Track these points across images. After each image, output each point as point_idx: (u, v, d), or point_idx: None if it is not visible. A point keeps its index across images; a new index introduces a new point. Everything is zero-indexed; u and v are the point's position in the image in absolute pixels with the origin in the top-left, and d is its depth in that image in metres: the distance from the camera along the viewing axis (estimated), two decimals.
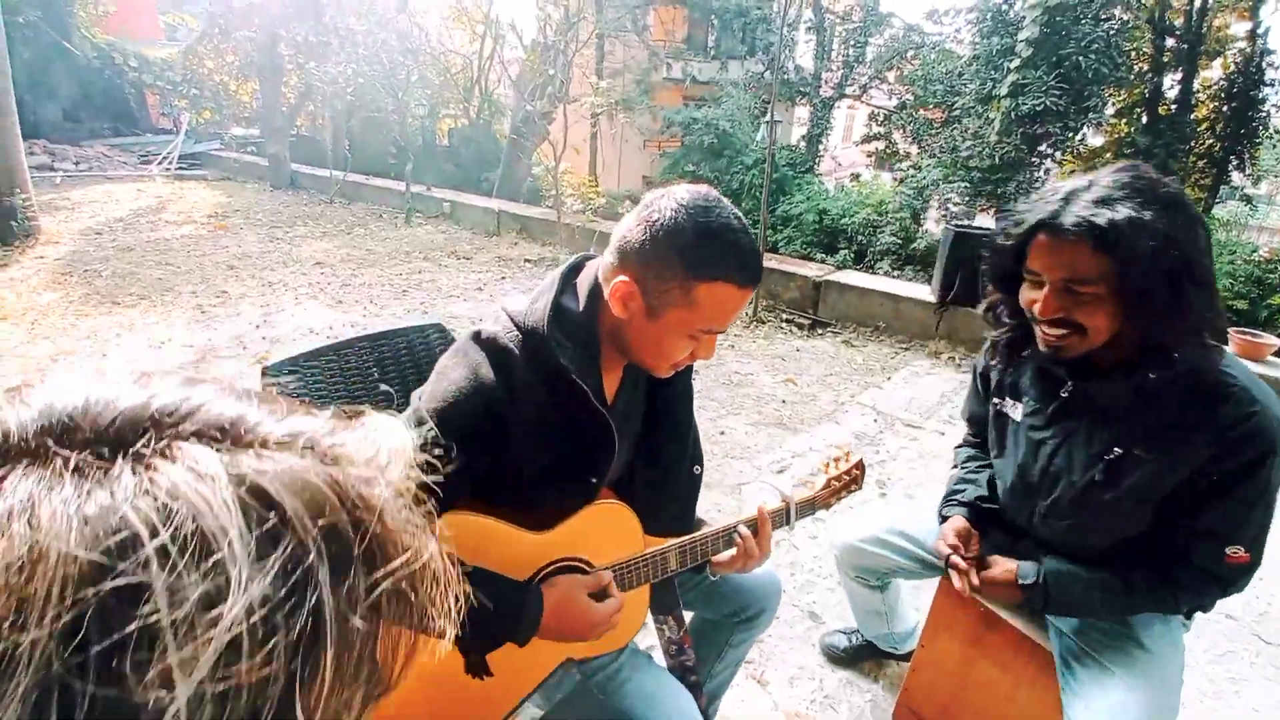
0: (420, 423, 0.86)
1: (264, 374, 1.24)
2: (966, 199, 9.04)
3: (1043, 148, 8.56)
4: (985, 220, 9.51)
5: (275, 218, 8.05)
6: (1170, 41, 8.54)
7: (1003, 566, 1.22)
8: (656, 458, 1.12)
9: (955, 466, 1.49)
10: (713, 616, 1.38)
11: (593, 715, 1.09)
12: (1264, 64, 8.29)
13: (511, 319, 0.93)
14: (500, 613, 0.86)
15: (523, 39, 9.74)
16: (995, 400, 1.29)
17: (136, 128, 13.64)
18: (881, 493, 2.85)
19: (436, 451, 0.70)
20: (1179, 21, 8.46)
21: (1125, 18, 8.38)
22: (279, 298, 5.03)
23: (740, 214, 0.90)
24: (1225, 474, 1.02)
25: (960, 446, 1.54)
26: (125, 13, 13.47)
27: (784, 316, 4.90)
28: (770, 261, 5.21)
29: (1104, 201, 0.92)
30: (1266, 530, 1.06)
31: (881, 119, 11.40)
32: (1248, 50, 8.38)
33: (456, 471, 0.90)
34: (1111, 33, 7.94)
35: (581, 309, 0.94)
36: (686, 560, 1.11)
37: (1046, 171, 9.28)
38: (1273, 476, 1.01)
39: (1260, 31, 8.29)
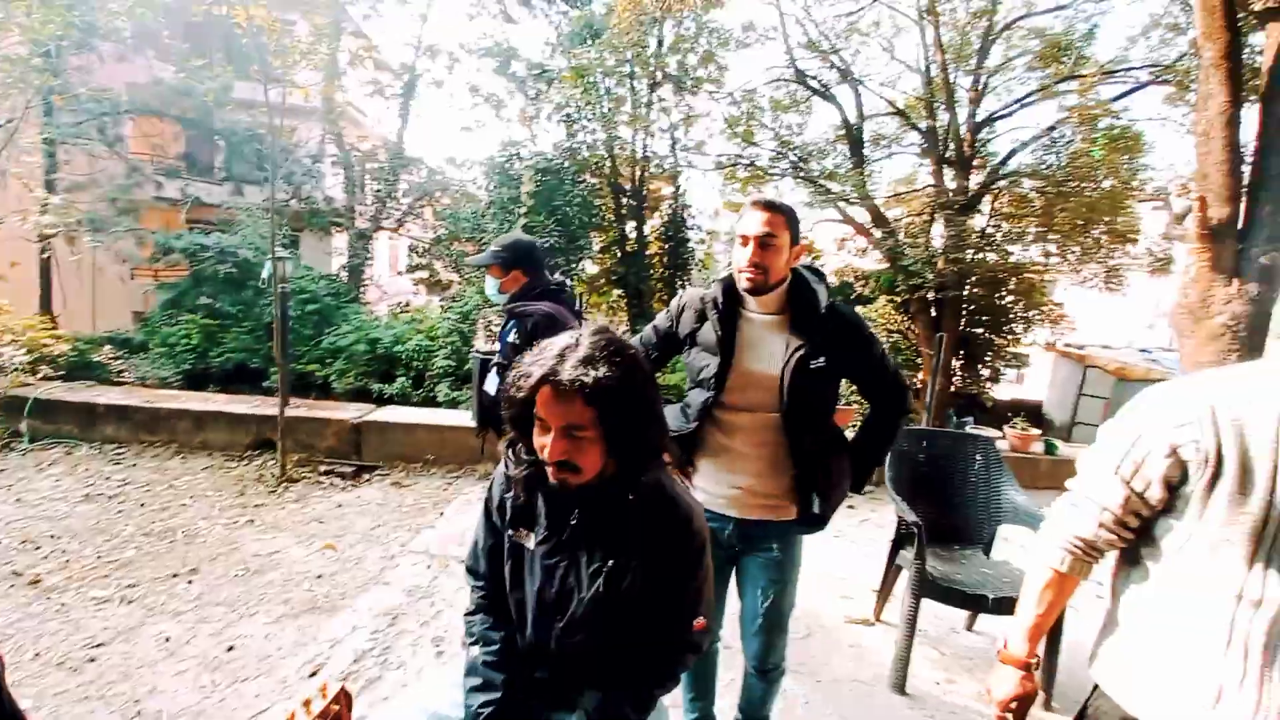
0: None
1: None
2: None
3: (558, 275, 10.23)
4: None
5: None
6: (625, 200, 11.45)
7: None
8: None
9: (475, 643, 1.35)
10: None
11: None
12: (684, 216, 11.84)
13: None
14: None
15: None
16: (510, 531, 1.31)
17: None
18: (438, 651, 2.58)
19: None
20: (629, 185, 11.45)
21: (594, 181, 10.91)
22: None
23: None
24: (683, 564, 1.23)
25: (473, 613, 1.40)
26: None
27: (322, 469, 4.32)
28: (298, 410, 4.59)
29: (590, 361, 1.10)
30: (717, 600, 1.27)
31: (422, 250, 11.94)
32: (674, 206, 11.84)
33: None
34: (586, 192, 10.20)
35: None
36: None
37: None
38: (709, 562, 1.26)
39: (680, 193, 11.85)
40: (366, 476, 4.33)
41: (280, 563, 3.18)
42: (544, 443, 1.13)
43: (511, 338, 2.32)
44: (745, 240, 1.62)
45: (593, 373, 1.08)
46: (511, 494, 1.29)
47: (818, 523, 1.70)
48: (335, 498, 4.00)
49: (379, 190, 11.59)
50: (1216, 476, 0.94)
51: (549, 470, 1.16)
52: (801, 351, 1.61)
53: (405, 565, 3.27)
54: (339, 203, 11.43)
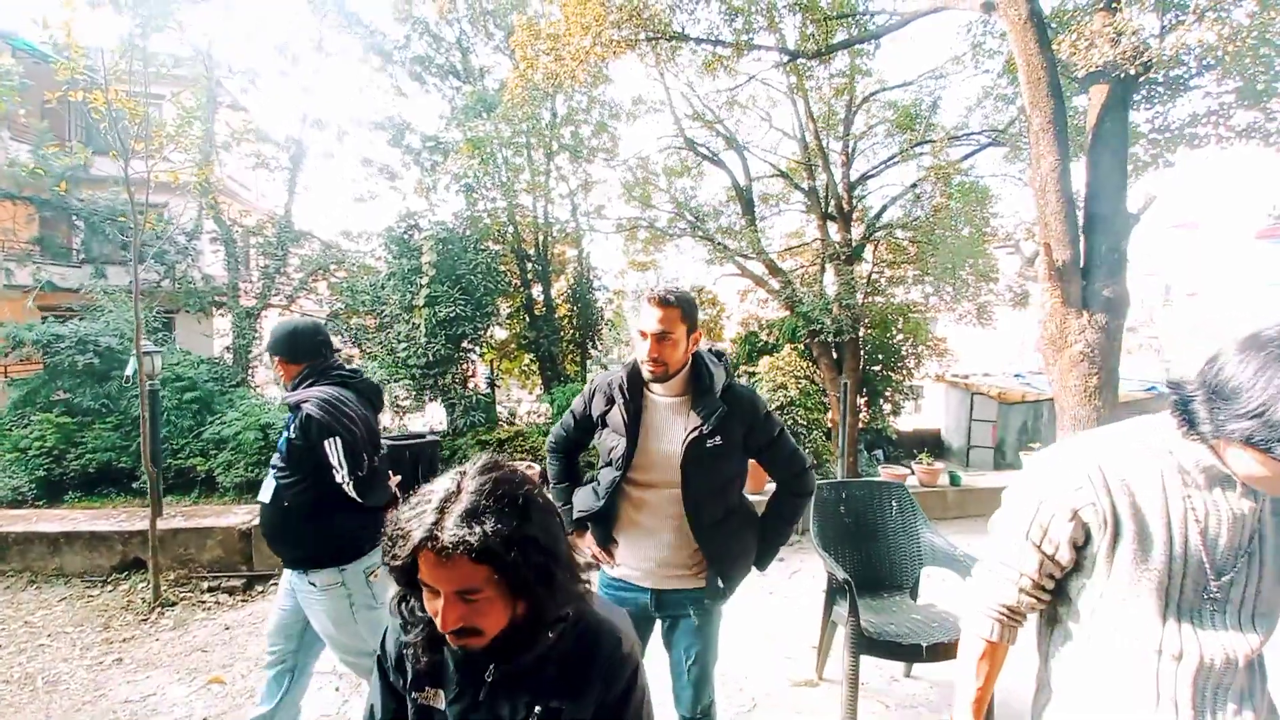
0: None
1: None
2: (413, 392, 9.65)
3: (464, 344, 9.97)
4: (436, 409, 10.31)
5: None
6: (530, 264, 11.46)
7: None
8: None
9: None
10: None
11: None
12: (590, 276, 11.97)
13: None
14: None
15: None
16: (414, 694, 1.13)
17: None
18: None
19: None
20: (533, 250, 11.48)
21: (497, 248, 10.85)
22: None
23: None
24: (618, 697, 1.07)
25: None
26: None
27: (205, 586, 3.82)
28: (173, 520, 4.08)
29: (473, 514, 0.93)
30: None
31: None
32: (579, 268, 11.95)
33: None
34: (490, 258, 10.11)
35: None
36: None
37: (473, 361, 10.88)
38: (644, 685, 1.13)
39: (584, 255, 11.99)
40: (260, 588, 3.87)
41: (156, 708, 2.74)
42: (436, 608, 0.98)
43: (290, 432, 2.02)
44: (644, 335, 1.69)
45: (478, 529, 0.93)
46: (411, 653, 1.11)
47: (722, 595, 1.78)
48: (222, 618, 3.53)
49: (266, 266, 10.94)
50: (1117, 535, 0.98)
51: (448, 637, 1.00)
52: (697, 432, 1.68)
53: (310, 691, 2.91)
54: (220, 281, 10.67)
